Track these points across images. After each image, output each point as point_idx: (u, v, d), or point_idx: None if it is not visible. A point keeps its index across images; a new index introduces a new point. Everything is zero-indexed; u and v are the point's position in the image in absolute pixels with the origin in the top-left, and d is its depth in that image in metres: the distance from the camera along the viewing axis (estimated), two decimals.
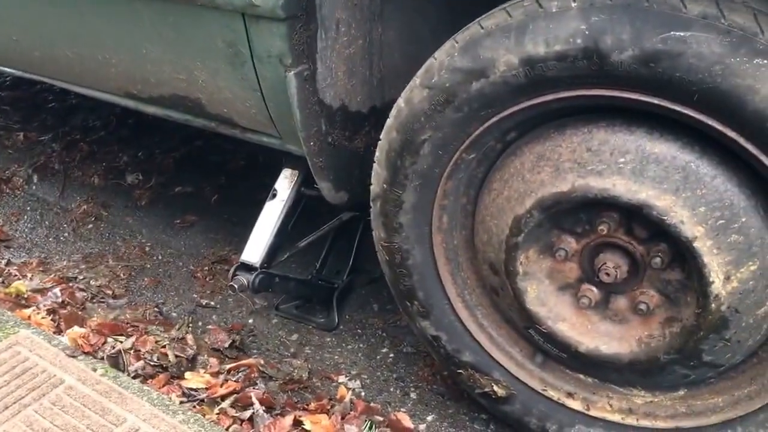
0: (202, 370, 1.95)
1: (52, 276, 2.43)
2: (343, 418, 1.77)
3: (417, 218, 1.56)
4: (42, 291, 2.28)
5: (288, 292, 2.24)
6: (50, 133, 3.48)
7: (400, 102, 1.46)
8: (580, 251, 1.44)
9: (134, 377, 1.82)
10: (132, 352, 1.94)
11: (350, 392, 1.93)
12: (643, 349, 1.43)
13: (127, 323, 2.12)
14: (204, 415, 1.69)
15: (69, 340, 1.91)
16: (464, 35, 1.33)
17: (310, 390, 1.98)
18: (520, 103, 1.32)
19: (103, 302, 2.34)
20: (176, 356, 1.97)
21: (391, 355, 2.13)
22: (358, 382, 2.02)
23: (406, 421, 1.81)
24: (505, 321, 1.66)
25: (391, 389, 2.00)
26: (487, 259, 1.54)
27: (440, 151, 1.44)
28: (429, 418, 1.89)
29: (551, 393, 1.63)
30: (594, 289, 1.45)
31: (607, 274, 1.39)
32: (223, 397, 1.81)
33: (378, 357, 2.13)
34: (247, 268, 1.97)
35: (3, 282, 2.36)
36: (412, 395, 1.97)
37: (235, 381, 1.90)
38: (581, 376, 1.62)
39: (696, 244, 1.25)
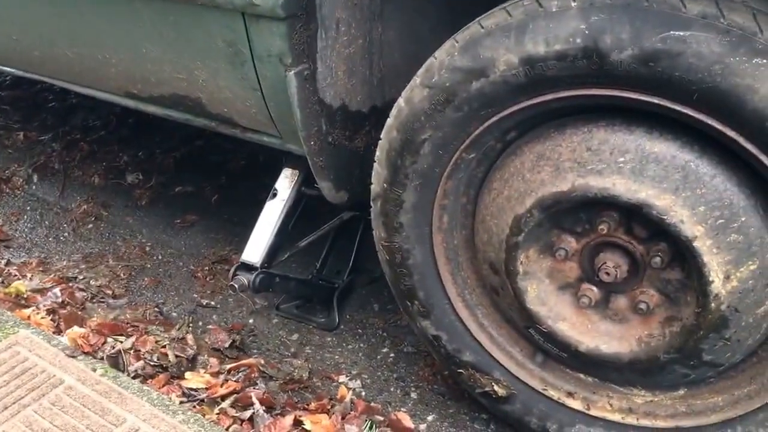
0: (202, 370, 1.95)
1: (51, 276, 2.43)
2: (343, 418, 1.77)
3: (417, 218, 1.56)
4: (42, 291, 2.28)
5: (288, 291, 2.24)
6: (50, 132, 3.48)
7: (401, 101, 1.46)
8: (580, 251, 1.44)
9: (134, 377, 1.82)
10: (132, 352, 1.94)
11: (351, 392, 1.92)
12: (643, 348, 1.43)
13: (127, 323, 2.12)
14: (204, 415, 1.69)
15: (69, 340, 1.91)
16: (464, 35, 1.33)
17: (310, 390, 1.98)
18: (520, 103, 1.32)
19: (103, 302, 2.34)
20: (176, 356, 1.97)
21: (392, 354, 2.13)
22: (358, 381, 2.02)
23: (407, 421, 1.81)
24: (506, 320, 1.66)
25: (392, 389, 2.00)
26: (488, 258, 1.54)
27: (440, 150, 1.44)
28: (429, 418, 1.89)
29: (551, 392, 1.63)
30: (594, 288, 1.46)
31: (607, 274, 1.39)
32: (224, 397, 1.81)
33: (378, 357, 2.13)
34: (247, 267, 1.97)
35: (3, 282, 2.36)
36: (413, 395, 1.97)
37: (235, 381, 1.90)
38: (581, 375, 1.62)
39: (696, 244, 1.25)
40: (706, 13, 1.11)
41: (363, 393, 1.97)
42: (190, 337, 2.08)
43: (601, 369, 1.56)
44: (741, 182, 1.24)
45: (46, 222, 2.90)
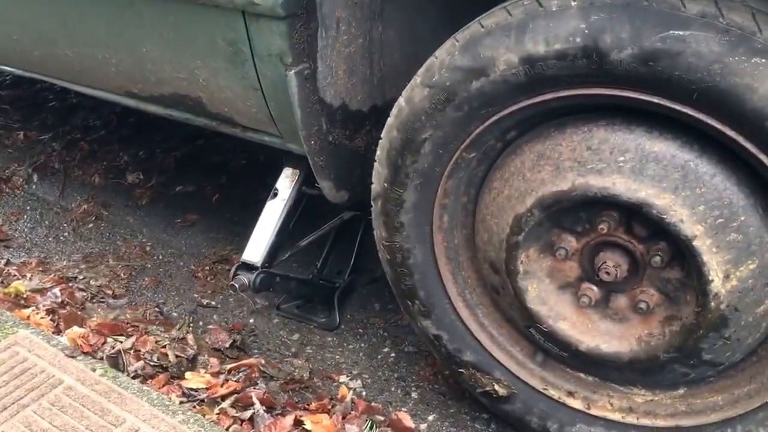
0: (202, 370, 1.95)
1: (51, 276, 2.43)
2: (344, 418, 1.77)
3: (418, 217, 1.56)
4: (41, 291, 2.28)
5: (289, 291, 2.24)
6: (50, 132, 3.48)
7: (401, 101, 1.46)
8: (581, 250, 1.44)
9: (134, 377, 1.81)
10: (132, 352, 1.94)
11: (351, 392, 1.92)
12: (643, 347, 1.43)
13: (127, 323, 2.12)
14: (204, 416, 1.69)
15: (68, 340, 1.91)
16: (465, 34, 1.33)
17: (311, 390, 1.98)
18: (520, 102, 1.32)
19: (103, 302, 2.34)
20: (176, 356, 1.97)
21: (393, 354, 2.13)
22: (359, 381, 2.02)
23: (408, 421, 1.81)
24: (506, 320, 1.66)
25: (393, 389, 2.00)
26: (488, 258, 1.54)
27: (441, 149, 1.44)
28: (430, 418, 1.89)
29: (552, 392, 1.63)
30: (594, 287, 1.46)
31: (607, 273, 1.39)
32: (224, 397, 1.81)
33: (379, 356, 2.13)
34: (248, 267, 1.97)
35: (2, 282, 2.36)
36: (414, 395, 1.97)
37: (235, 381, 1.90)
38: (582, 374, 1.62)
39: (695, 243, 1.25)
40: (705, 13, 1.11)
41: (364, 393, 1.97)
42: (190, 337, 2.08)
43: (601, 368, 1.56)
44: (740, 181, 1.24)
45: (46, 222, 2.90)
